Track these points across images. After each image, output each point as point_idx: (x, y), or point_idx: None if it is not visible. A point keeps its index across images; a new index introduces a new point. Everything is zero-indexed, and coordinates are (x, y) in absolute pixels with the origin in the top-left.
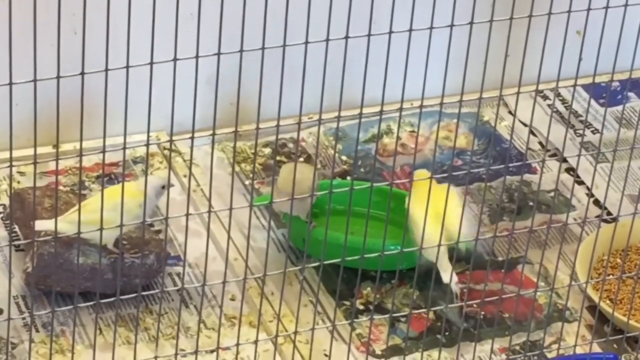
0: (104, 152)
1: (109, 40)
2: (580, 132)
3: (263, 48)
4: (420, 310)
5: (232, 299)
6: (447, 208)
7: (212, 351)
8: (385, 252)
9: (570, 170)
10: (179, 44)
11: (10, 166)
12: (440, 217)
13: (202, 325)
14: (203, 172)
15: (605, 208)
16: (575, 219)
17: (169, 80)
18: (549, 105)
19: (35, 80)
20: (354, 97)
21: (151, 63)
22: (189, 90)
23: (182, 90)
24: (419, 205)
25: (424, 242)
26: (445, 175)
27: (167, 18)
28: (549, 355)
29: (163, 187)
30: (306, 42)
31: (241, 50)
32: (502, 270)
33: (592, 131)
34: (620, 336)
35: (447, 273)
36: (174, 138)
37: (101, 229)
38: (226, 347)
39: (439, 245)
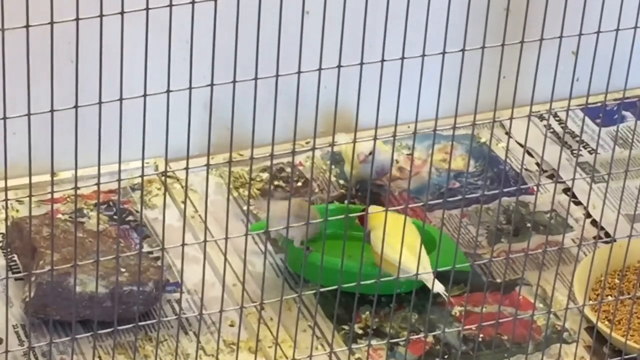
0: (98, 184)
1: (102, 68)
2: (577, 152)
3: (256, 78)
4: (419, 336)
5: (232, 325)
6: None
7: None
8: (382, 279)
9: (567, 190)
10: (175, 70)
11: (6, 200)
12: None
13: (201, 351)
14: (201, 197)
15: (603, 228)
16: (572, 240)
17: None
18: (545, 126)
19: (29, 115)
20: (349, 122)
21: (144, 95)
22: (186, 116)
23: (180, 115)
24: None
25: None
26: (441, 200)
27: (161, 45)
28: None
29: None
30: (299, 72)
31: (234, 81)
32: (500, 292)
33: (589, 151)
34: (619, 357)
35: (430, 283)
36: (171, 164)
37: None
38: None
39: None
